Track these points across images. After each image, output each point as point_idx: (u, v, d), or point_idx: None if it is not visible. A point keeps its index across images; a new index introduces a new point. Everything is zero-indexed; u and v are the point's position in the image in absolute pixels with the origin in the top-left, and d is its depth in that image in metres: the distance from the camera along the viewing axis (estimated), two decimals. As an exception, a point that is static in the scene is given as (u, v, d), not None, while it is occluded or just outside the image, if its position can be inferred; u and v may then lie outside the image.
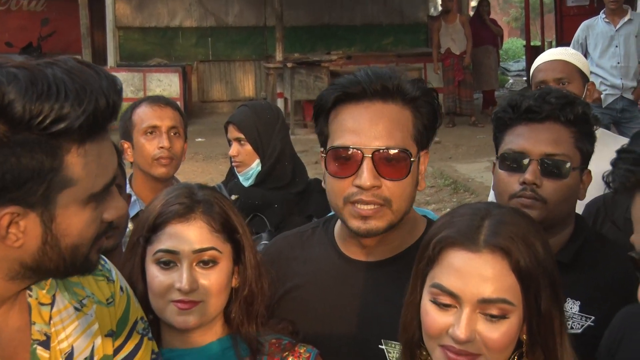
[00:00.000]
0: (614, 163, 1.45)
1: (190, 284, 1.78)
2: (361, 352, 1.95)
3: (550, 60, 3.37)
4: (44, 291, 1.49)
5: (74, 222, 1.34)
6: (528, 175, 2.09)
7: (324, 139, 1.95)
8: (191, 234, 1.81)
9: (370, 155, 1.84)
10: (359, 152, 1.85)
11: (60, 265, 1.37)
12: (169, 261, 1.82)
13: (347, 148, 1.86)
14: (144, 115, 3.22)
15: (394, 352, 1.91)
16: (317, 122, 1.97)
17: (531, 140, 2.12)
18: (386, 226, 1.89)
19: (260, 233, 3.20)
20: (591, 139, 2.17)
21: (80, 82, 1.27)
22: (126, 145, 3.25)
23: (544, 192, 2.10)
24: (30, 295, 1.47)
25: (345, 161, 1.87)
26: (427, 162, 2.00)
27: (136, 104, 3.33)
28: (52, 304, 1.50)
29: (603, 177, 1.49)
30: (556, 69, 3.32)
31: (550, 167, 2.10)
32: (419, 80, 1.96)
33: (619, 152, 1.45)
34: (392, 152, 1.85)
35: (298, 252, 2.12)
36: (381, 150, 1.85)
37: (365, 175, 1.84)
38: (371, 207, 1.87)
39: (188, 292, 1.79)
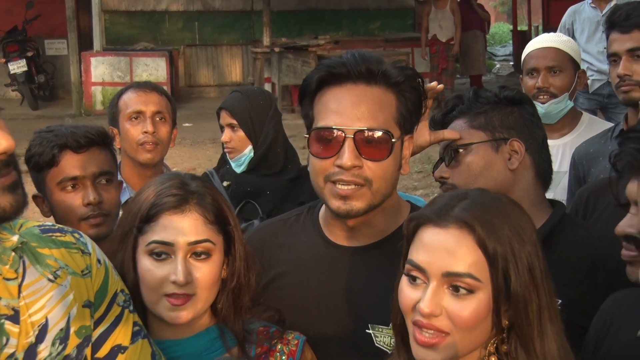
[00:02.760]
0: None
1: (185, 276, 1.77)
2: (348, 337, 1.97)
3: (542, 48, 3.33)
4: (7, 266, 1.48)
5: None
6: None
7: (309, 122, 1.96)
8: (186, 226, 1.79)
9: (352, 136, 1.86)
10: (342, 132, 1.87)
11: None
12: (162, 252, 1.79)
13: (329, 129, 1.88)
14: (129, 101, 3.21)
15: (381, 337, 1.93)
16: (303, 105, 1.98)
17: None
18: (366, 207, 1.91)
19: (252, 220, 3.20)
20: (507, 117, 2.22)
21: None
22: (115, 131, 3.24)
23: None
24: None
25: (327, 142, 1.89)
26: (412, 148, 2.01)
27: (123, 90, 3.32)
28: (22, 278, 1.49)
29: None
30: (547, 57, 3.29)
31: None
32: (406, 67, 1.98)
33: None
34: (374, 132, 1.87)
35: (282, 240, 2.12)
36: (363, 131, 1.86)
37: (347, 155, 1.86)
38: (351, 187, 1.88)
39: (183, 285, 1.77)
